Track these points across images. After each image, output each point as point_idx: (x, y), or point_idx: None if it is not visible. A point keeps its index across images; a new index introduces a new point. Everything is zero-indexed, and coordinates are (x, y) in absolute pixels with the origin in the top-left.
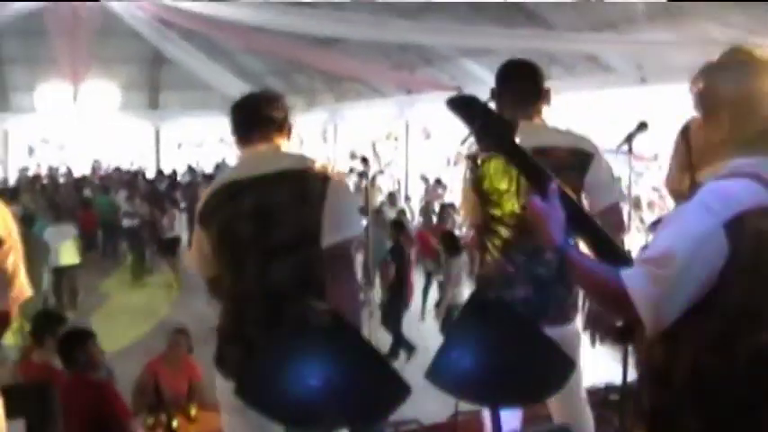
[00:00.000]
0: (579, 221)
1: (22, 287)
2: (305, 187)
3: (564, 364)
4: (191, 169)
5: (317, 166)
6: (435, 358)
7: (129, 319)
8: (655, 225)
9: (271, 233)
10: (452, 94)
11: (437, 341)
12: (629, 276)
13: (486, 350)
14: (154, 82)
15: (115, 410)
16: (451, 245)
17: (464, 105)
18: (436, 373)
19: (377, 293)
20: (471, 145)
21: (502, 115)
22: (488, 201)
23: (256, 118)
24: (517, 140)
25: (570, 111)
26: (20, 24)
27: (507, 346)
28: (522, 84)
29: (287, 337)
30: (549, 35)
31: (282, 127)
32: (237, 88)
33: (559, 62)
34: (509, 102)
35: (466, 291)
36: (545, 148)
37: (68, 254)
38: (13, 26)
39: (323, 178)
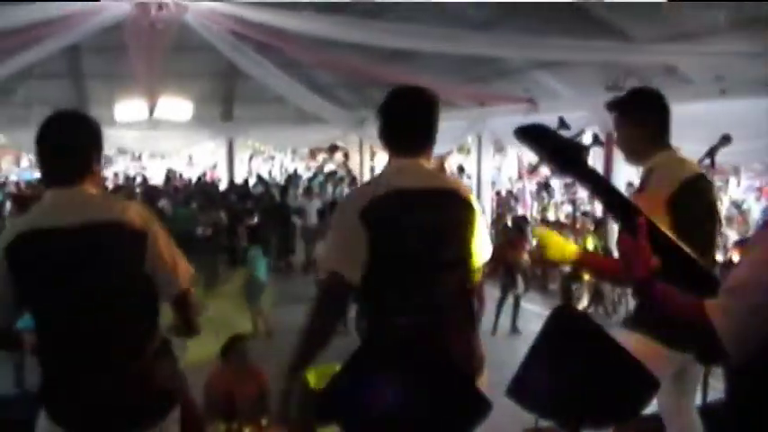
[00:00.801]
0: (669, 253)
1: (186, 265)
2: (462, 206)
3: (649, 384)
4: (261, 180)
5: (463, 188)
6: (516, 374)
7: (207, 331)
8: (739, 244)
9: (442, 250)
10: (525, 105)
11: (508, 357)
12: (711, 308)
13: (568, 367)
14: (227, 95)
15: (192, 418)
16: None
17: (531, 133)
18: (517, 390)
19: None
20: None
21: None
22: None
23: (422, 130)
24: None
25: None
26: (99, 40)
27: (591, 364)
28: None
29: (377, 350)
30: (625, 47)
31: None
32: (309, 101)
33: (635, 74)
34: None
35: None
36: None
37: None
38: (93, 42)
39: (470, 198)
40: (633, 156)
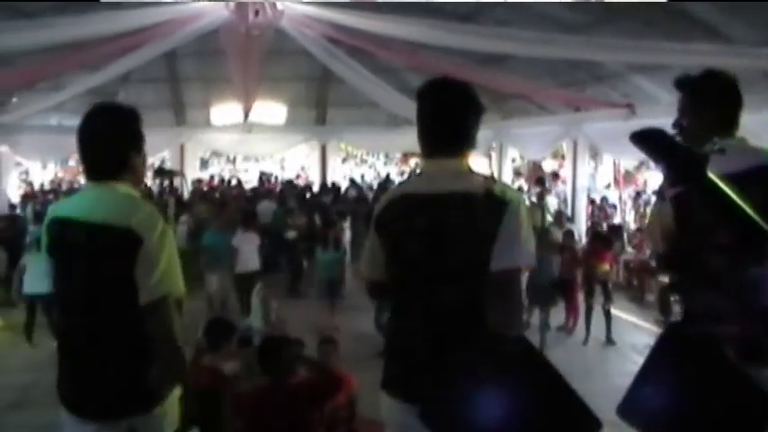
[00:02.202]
0: None
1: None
2: (481, 211)
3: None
4: (353, 183)
5: (497, 188)
6: (628, 393)
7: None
8: None
9: (442, 255)
10: (623, 111)
11: (597, 366)
12: None
13: (681, 389)
14: (321, 99)
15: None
16: None
17: (649, 139)
18: (627, 409)
19: (536, 316)
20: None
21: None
22: (697, 231)
23: (454, 128)
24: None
25: (747, 132)
26: (196, 45)
27: (705, 387)
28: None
29: (477, 364)
30: (727, 49)
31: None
32: (402, 105)
33: (738, 79)
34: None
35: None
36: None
37: (252, 261)
38: (190, 47)
39: (500, 202)
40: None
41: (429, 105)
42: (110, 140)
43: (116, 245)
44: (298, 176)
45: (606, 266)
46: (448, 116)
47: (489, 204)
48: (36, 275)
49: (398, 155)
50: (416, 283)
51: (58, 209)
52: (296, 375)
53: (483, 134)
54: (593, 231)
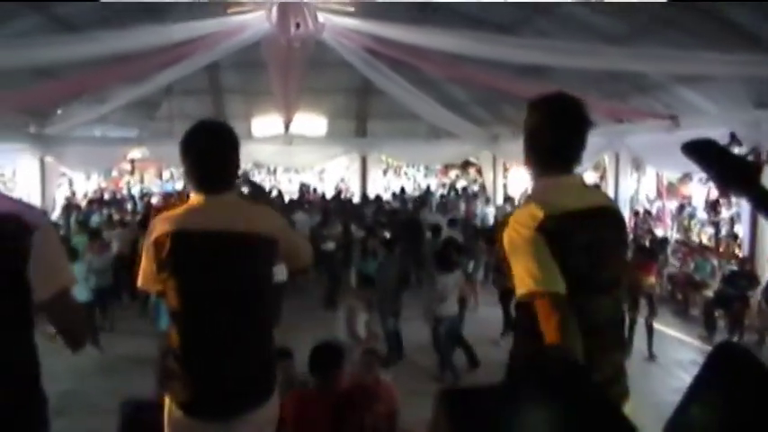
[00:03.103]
0: None
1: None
2: (619, 225)
3: None
4: (395, 196)
5: (615, 204)
6: (675, 413)
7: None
8: None
9: (600, 271)
10: (667, 123)
11: (641, 383)
12: None
13: (728, 410)
14: (361, 111)
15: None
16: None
17: (700, 149)
18: (674, 430)
19: None
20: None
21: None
22: None
23: (572, 142)
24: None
25: None
26: (238, 57)
27: (752, 409)
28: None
29: (522, 383)
30: None
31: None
32: (442, 117)
33: None
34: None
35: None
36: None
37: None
38: (232, 59)
39: (623, 217)
40: None
41: (550, 119)
42: (227, 156)
43: (261, 248)
44: (338, 189)
45: (652, 279)
46: (571, 131)
47: (621, 218)
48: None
49: (438, 167)
50: (575, 299)
51: (175, 223)
52: (341, 384)
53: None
54: (637, 244)
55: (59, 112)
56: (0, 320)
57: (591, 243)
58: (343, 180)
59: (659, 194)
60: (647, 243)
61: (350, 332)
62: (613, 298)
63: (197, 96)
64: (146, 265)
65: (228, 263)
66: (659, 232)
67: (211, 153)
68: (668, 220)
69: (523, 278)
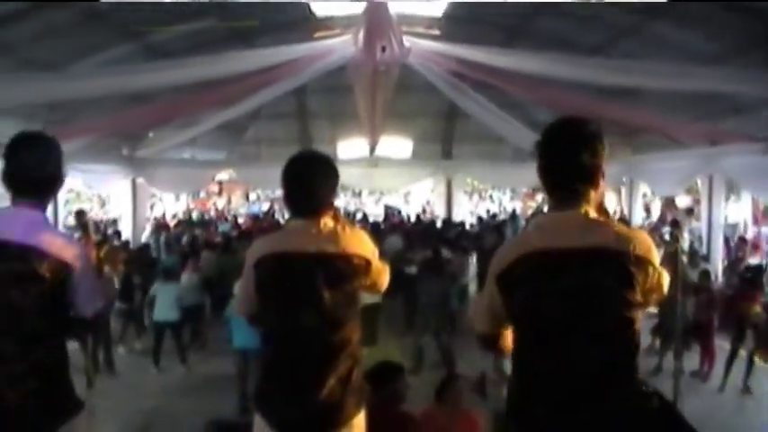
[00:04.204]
0: None
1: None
2: (624, 269)
3: None
4: (480, 220)
5: (636, 244)
6: None
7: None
8: None
9: (591, 317)
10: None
11: (734, 417)
12: None
13: None
14: (447, 133)
15: None
16: None
17: None
18: None
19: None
20: None
21: None
22: None
23: (574, 164)
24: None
25: None
26: (325, 81)
27: None
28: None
29: (617, 419)
30: None
31: (597, 183)
32: (529, 140)
33: None
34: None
35: None
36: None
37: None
38: (318, 83)
39: (640, 260)
40: None
41: (553, 147)
42: (323, 182)
43: (356, 269)
44: (423, 211)
45: (757, 308)
46: (572, 158)
47: (618, 260)
48: (165, 304)
49: (524, 190)
50: (557, 343)
51: (275, 245)
52: (404, 405)
53: (612, 169)
54: (740, 273)
55: (151, 135)
56: (45, 333)
57: (569, 287)
58: (428, 203)
59: (755, 220)
60: (744, 271)
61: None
62: (601, 346)
63: (284, 120)
64: (245, 289)
65: (326, 283)
66: (756, 260)
67: (309, 180)
68: (765, 247)
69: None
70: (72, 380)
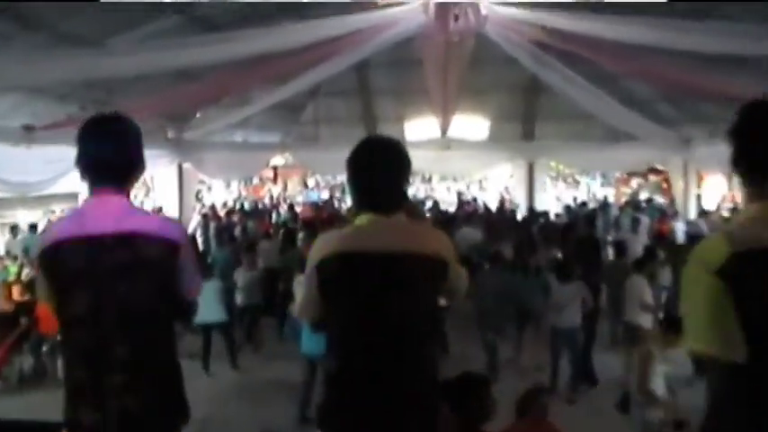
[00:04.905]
0: None
1: None
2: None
3: None
4: (567, 209)
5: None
6: None
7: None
8: None
9: None
10: None
11: None
12: None
13: None
14: (528, 112)
15: None
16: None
17: None
18: None
19: None
20: None
21: None
22: None
23: None
24: None
25: None
26: (391, 54)
27: None
28: None
29: None
30: None
31: None
32: (623, 118)
33: None
34: None
35: None
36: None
37: None
38: (384, 57)
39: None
40: None
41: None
42: (396, 174)
43: (433, 270)
44: (503, 199)
45: None
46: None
47: None
48: (210, 303)
49: (618, 174)
50: None
51: (342, 244)
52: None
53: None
54: None
55: (198, 115)
56: (156, 323)
57: None
58: (507, 190)
59: None
60: None
61: (641, 387)
62: None
63: (345, 98)
64: (307, 291)
65: (400, 285)
66: None
67: (380, 171)
68: None
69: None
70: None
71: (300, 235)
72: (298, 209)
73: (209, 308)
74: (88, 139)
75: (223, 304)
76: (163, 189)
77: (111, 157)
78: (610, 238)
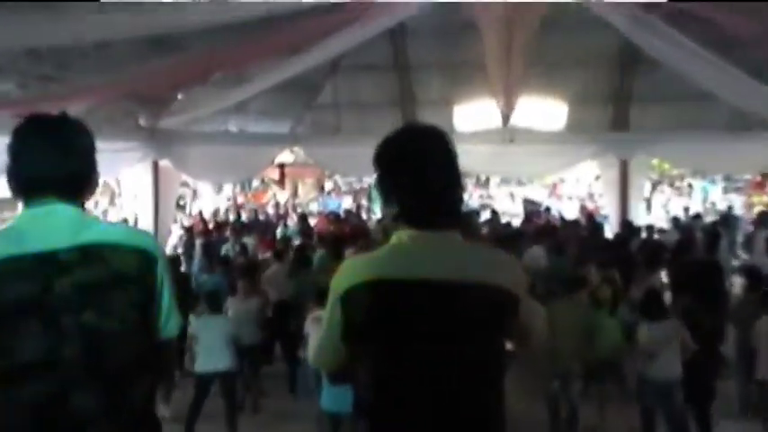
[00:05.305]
0: None
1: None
2: None
3: None
4: (676, 223)
5: None
6: None
7: None
8: None
9: None
10: None
11: None
12: None
13: None
14: (621, 92)
15: None
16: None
17: None
18: None
19: None
20: None
21: None
22: None
23: None
24: None
25: None
26: (434, 19)
27: None
28: None
29: None
30: None
31: None
32: (754, 98)
33: None
34: None
35: None
36: None
37: None
38: (425, 22)
39: None
40: None
41: None
42: (447, 175)
43: (500, 306)
44: (582, 209)
45: None
46: None
47: None
48: (214, 347)
49: (748, 177)
50: None
51: (375, 269)
52: None
53: None
54: None
55: (180, 98)
56: (135, 367)
57: None
58: (590, 197)
59: None
60: None
61: None
62: None
63: (374, 75)
64: (327, 331)
65: (455, 327)
66: None
67: (426, 170)
68: None
69: None
70: None
71: (317, 254)
72: (312, 221)
73: (213, 352)
74: (21, 150)
75: (230, 348)
76: (133, 195)
77: (49, 173)
78: (736, 262)
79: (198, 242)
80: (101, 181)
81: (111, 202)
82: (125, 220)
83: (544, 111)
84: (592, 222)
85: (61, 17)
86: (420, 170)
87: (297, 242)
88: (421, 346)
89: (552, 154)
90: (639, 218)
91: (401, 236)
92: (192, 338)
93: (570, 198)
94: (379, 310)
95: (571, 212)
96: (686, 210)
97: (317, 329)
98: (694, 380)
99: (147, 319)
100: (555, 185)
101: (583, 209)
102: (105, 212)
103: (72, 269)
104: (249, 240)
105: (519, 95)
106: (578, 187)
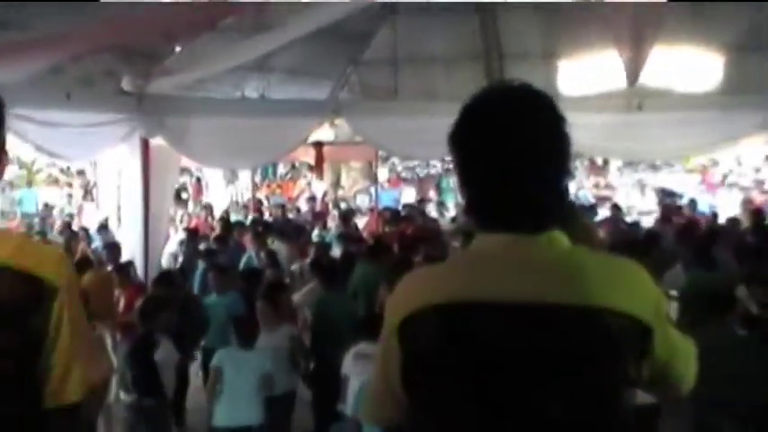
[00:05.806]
0: None
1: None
2: None
3: None
4: None
5: None
6: None
7: None
8: None
9: None
10: None
11: None
12: None
13: None
14: None
15: None
16: None
17: None
18: None
19: None
20: None
21: None
22: None
23: None
24: None
25: None
26: None
27: None
28: None
29: None
30: None
31: None
32: None
33: None
34: None
35: None
36: None
37: None
38: None
39: None
40: None
41: None
42: (549, 156)
43: (625, 339)
44: (746, 203)
45: None
46: None
47: None
48: (242, 393)
49: None
50: None
51: (445, 287)
52: None
53: None
54: None
55: (178, 51)
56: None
57: None
58: (759, 185)
59: None
60: None
61: None
62: None
63: (447, 18)
64: (380, 373)
65: (561, 366)
66: None
67: (519, 152)
68: None
69: None
70: None
71: (358, 267)
72: (360, 222)
73: (240, 400)
74: None
75: (262, 395)
76: (114, 185)
77: None
78: None
79: (202, 248)
80: (72, 166)
81: (86, 196)
82: (105, 222)
83: (689, 64)
84: (759, 221)
85: None
86: (506, 151)
87: (338, 250)
88: (512, 393)
89: (701, 125)
90: None
91: (482, 241)
92: (217, 373)
93: (730, 187)
94: (451, 345)
95: (729, 208)
96: None
97: (365, 370)
98: None
99: (29, 376)
100: (705, 170)
101: (747, 203)
102: (80, 209)
103: None
104: (280, 247)
105: (652, 44)
106: (740, 173)
